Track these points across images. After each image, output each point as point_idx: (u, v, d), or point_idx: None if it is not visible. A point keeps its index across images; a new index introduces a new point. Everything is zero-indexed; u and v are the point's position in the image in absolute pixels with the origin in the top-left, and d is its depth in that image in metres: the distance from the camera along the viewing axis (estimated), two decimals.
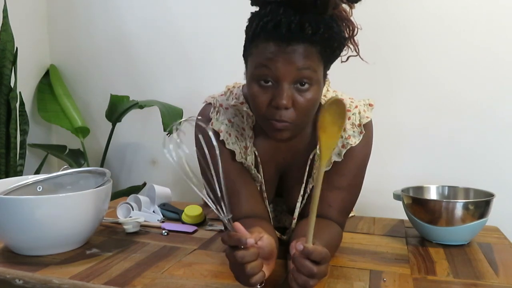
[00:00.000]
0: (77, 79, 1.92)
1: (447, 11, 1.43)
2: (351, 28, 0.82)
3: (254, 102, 0.79)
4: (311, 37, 0.73)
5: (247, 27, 0.79)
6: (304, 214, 0.93)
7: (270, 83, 0.76)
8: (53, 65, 1.92)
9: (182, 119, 0.68)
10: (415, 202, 1.01)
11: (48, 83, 1.87)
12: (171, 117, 1.53)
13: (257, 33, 0.75)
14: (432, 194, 1.11)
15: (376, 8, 1.43)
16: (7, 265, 0.82)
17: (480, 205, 0.95)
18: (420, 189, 1.11)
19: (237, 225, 0.66)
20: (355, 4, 0.81)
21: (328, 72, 0.83)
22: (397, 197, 1.07)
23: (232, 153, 0.91)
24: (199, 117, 0.72)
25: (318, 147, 0.70)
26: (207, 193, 0.68)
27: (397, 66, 1.49)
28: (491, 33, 1.39)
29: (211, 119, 0.91)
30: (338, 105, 0.63)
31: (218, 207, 0.67)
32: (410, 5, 1.46)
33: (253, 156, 0.92)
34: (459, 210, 0.94)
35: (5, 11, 1.56)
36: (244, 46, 0.81)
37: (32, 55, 1.85)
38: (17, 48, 1.59)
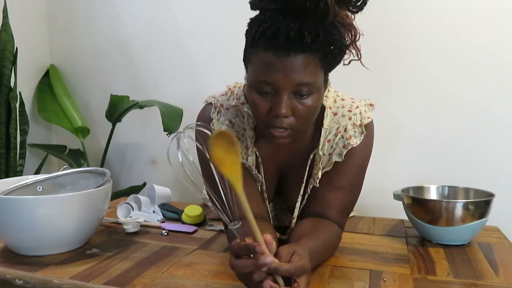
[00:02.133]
0: (77, 79, 1.92)
1: (446, 11, 1.43)
2: (353, 33, 0.81)
3: (254, 109, 0.79)
4: (310, 45, 0.72)
5: (246, 31, 0.79)
6: (304, 214, 0.93)
7: (269, 92, 0.76)
8: (53, 65, 1.92)
9: (186, 127, 0.68)
10: (415, 202, 1.01)
11: (48, 83, 1.87)
12: (171, 117, 1.53)
13: (256, 39, 0.74)
14: (432, 194, 1.11)
15: (375, 9, 1.42)
16: (7, 265, 0.82)
17: (480, 205, 0.95)
18: (420, 189, 1.11)
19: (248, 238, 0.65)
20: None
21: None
22: (397, 197, 1.07)
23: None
24: (199, 123, 0.71)
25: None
26: (214, 201, 0.67)
27: (397, 66, 1.49)
28: (491, 33, 1.39)
29: (212, 119, 0.91)
30: (222, 135, 0.62)
31: (226, 215, 0.66)
32: (410, 5, 1.46)
33: (254, 156, 0.92)
34: (459, 210, 0.94)
35: (5, 11, 1.56)
36: (244, 51, 0.81)
37: (32, 55, 1.85)
38: (17, 48, 1.59)
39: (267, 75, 0.74)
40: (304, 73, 0.73)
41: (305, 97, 0.76)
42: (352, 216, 1.23)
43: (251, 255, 0.62)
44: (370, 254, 0.92)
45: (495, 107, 1.41)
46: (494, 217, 1.00)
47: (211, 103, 0.94)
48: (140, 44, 1.80)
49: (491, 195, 0.98)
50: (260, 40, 0.74)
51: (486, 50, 1.40)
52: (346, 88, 0.98)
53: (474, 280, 0.78)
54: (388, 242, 1.01)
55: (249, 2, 0.78)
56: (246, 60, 0.80)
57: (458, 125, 1.45)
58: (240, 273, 0.65)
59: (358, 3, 0.76)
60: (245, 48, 0.80)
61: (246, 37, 0.79)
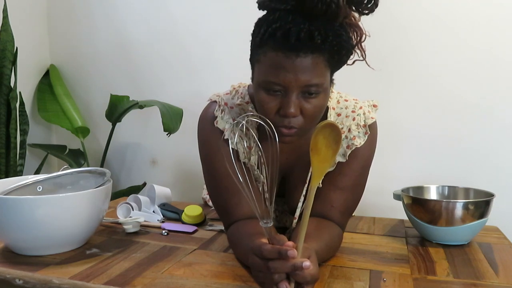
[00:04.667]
0: (77, 79, 1.92)
1: (447, 11, 1.43)
2: (359, 34, 0.82)
3: (262, 108, 0.79)
4: (320, 46, 0.72)
5: (254, 31, 0.78)
6: None
7: (278, 92, 0.76)
8: (53, 65, 1.92)
9: (244, 116, 0.71)
10: (415, 202, 1.01)
11: (48, 83, 1.88)
12: (171, 117, 1.53)
13: (265, 40, 0.74)
14: (432, 194, 1.11)
15: (377, 10, 1.43)
16: (7, 265, 0.82)
17: (480, 205, 0.95)
18: (420, 189, 1.11)
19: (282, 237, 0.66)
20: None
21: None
22: (397, 197, 1.07)
23: (235, 152, 0.90)
24: (251, 113, 0.73)
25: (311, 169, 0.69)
26: (253, 196, 0.68)
27: (397, 66, 1.49)
28: (492, 33, 1.39)
29: (216, 117, 0.91)
30: (332, 129, 0.62)
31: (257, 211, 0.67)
32: (410, 5, 1.46)
33: (257, 156, 0.92)
34: (459, 210, 0.94)
35: (5, 11, 1.56)
36: (251, 51, 0.80)
37: (32, 55, 1.85)
38: (17, 48, 1.59)
39: (277, 76, 0.74)
40: (313, 74, 0.74)
41: (313, 96, 0.76)
42: (352, 216, 1.23)
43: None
44: (370, 254, 0.92)
45: (495, 107, 1.41)
46: (494, 217, 1.00)
47: (215, 101, 0.93)
48: (140, 44, 1.80)
49: (491, 195, 0.98)
50: (269, 40, 0.74)
51: (486, 50, 1.40)
52: (347, 89, 0.98)
53: (474, 280, 0.78)
54: (388, 242, 1.01)
55: (257, 2, 0.78)
56: (254, 60, 0.80)
57: (458, 125, 1.45)
58: (261, 272, 0.66)
59: (369, 5, 0.77)
60: (252, 48, 0.80)
61: (253, 37, 0.79)
